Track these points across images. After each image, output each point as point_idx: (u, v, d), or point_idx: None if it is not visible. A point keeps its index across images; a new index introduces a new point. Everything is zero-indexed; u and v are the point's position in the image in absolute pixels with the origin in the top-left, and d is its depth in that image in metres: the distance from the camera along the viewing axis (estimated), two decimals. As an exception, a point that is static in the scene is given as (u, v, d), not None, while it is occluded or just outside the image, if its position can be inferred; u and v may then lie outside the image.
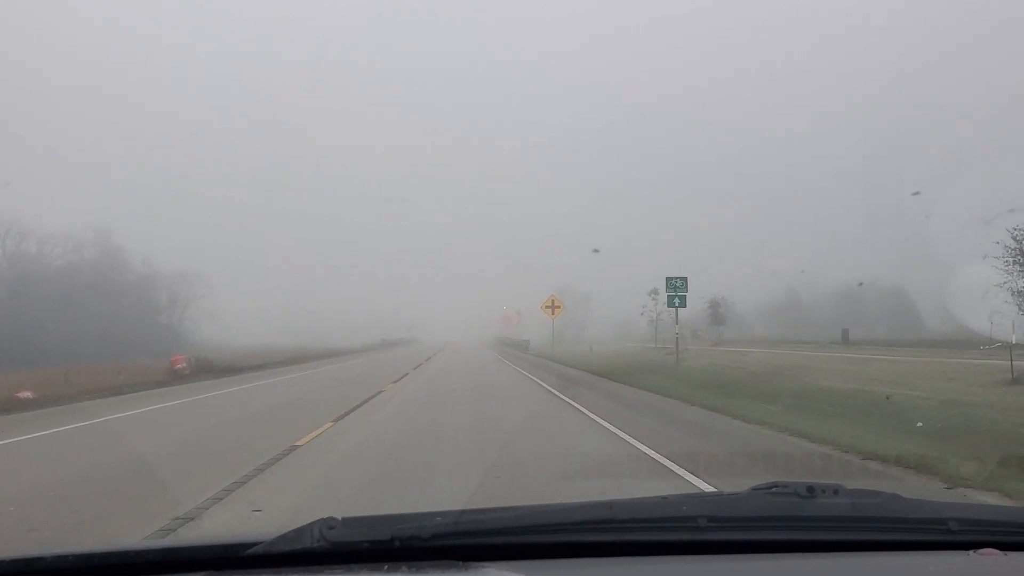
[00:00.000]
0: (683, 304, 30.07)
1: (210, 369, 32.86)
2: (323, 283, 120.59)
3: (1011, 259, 20.70)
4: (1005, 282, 20.56)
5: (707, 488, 7.00)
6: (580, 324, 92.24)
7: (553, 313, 47.54)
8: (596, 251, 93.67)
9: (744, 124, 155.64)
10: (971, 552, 1.91)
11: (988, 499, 6.61)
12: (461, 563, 1.76)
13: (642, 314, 50.74)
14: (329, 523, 1.87)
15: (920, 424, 11.15)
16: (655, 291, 48.45)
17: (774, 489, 2.07)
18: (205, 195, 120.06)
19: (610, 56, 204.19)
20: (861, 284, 70.85)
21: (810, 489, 2.02)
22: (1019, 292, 20.59)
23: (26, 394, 20.13)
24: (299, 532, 1.86)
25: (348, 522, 1.90)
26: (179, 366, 31.68)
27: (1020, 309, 20.56)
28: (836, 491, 2.05)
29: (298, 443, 10.86)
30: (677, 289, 29.83)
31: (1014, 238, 20.62)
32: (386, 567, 1.77)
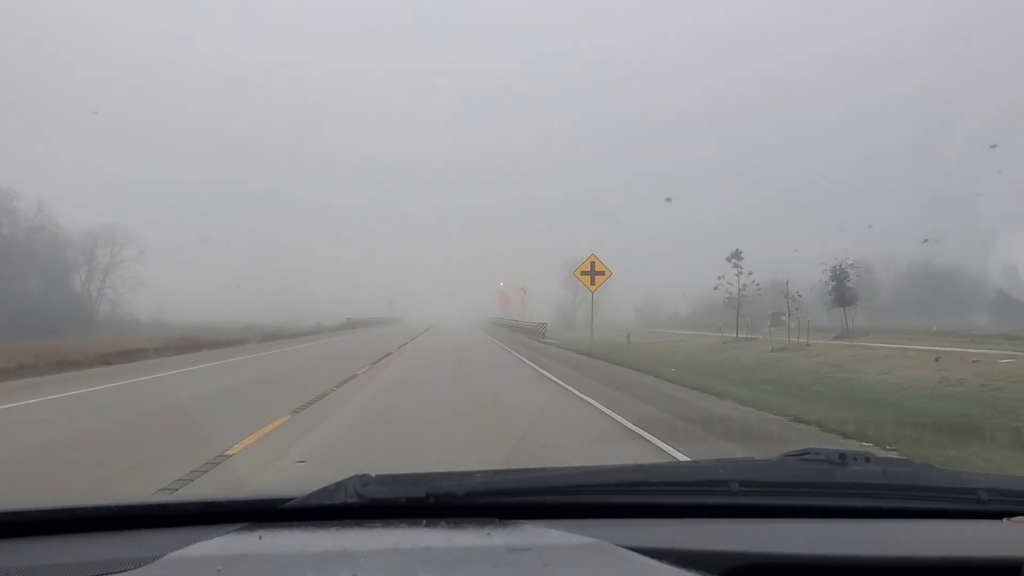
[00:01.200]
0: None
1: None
2: (300, 260, 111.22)
3: None
4: None
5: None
6: (595, 306, 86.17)
7: (593, 283, 34.21)
8: (669, 200, 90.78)
9: (779, 100, 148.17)
10: (1005, 520, 1.92)
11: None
12: (498, 520, 1.79)
13: (716, 288, 35.50)
14: (363, 480, 1.90)
15: None
16: (737, 255, 34.77)
17: (806, 456, 2.09)
18: (180, 178, 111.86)
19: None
20: (927, 240, 56.30)
21: (842, 456, 2.04)
22: None
23: None
24: (335, 487, 1.89)
25: (382, 479, 1.92)
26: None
27: None
28: (867, 459, 2.07)
29: None
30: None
31: None
32: (425, 522, 1.80)
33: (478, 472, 2.01)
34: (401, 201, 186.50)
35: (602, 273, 34.15)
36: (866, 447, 8.61)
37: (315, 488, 1.91)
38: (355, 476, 1.92)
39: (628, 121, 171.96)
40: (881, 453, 2.25)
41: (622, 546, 1.58)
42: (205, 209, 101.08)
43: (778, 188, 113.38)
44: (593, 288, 34.88)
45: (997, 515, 1.96)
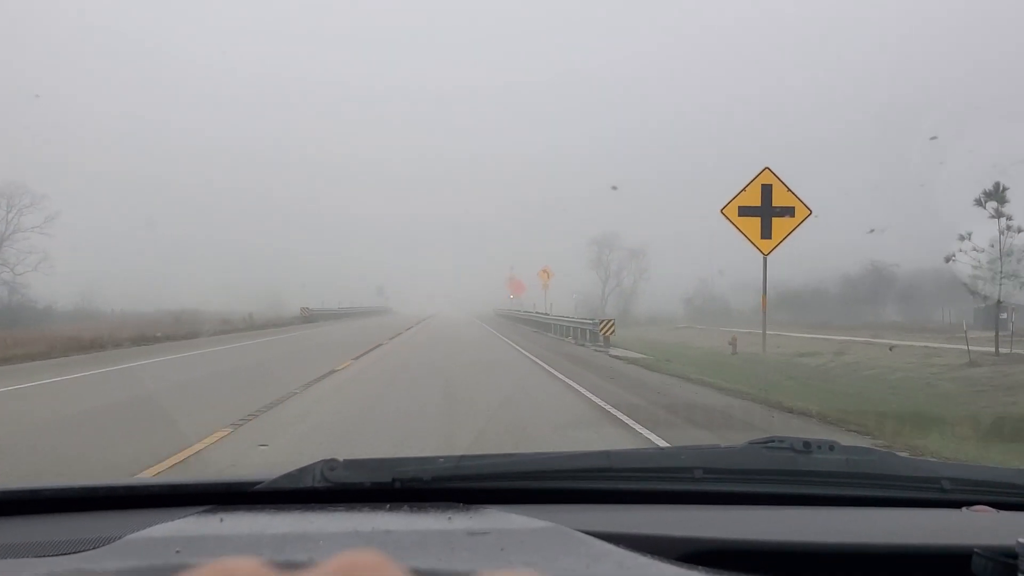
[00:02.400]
0: None
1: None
2: (284, 243, 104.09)
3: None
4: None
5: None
6: (628, 295, 71.95)
7: (770, 233, 19.30)
8: (615, 188, 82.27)
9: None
10: (964, 509, 1.95)
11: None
12: (462, 504, 1.80)
13: (954, 258, 19.29)
14: (331, 464, 1.91)
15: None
16: (1001, 190, 18.85)
17: (771, 443, 2.11)
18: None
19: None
20: (873, 231, 55.98)
21: (806, 444, 2.07)
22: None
23: None
24: (301, 471, 1.90)
25: (349, 464, 1.94)
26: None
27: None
28: (831, 447, 2.10)
29: None
30: None
31: None
32: (388, 506, 1.81)
33: (443, 457, 2.02)
34: (390, 169, 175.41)
35: (789, 212, 18.77)
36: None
37: (283, 472, 1.92)
38: (323, 460, 1.93)
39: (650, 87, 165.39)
40: (846, 441, 2.28)
41: (580, 531, 1.60)
42: (175, 193, 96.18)
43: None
44: (772, 245, 19.15)
45: (958, 504, 1.98)
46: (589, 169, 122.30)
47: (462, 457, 2.06)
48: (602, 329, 27.21)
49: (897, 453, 2.28)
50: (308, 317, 53.82)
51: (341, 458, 1.96)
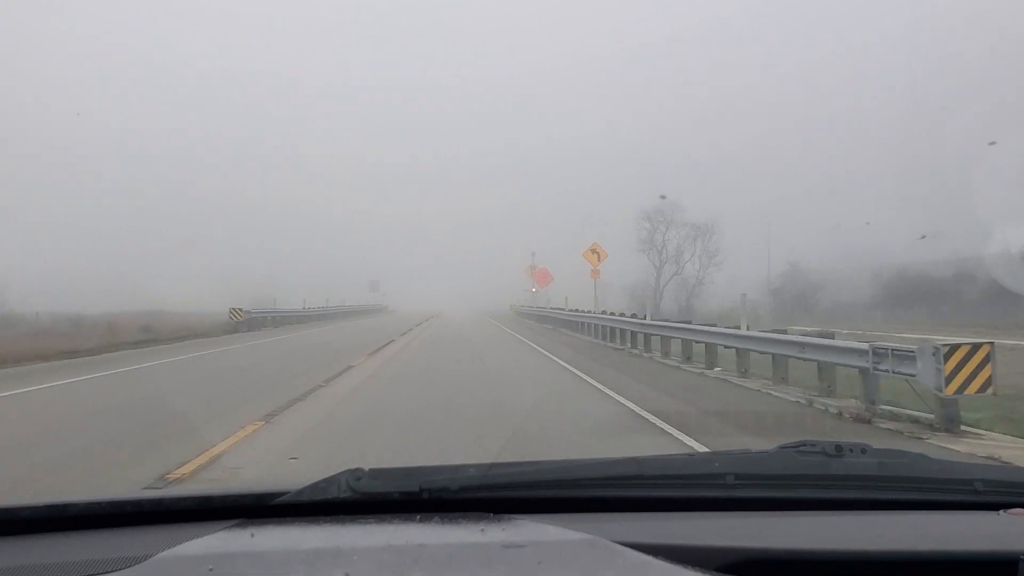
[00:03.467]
0: None
1: None
2: (272, 239, 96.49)
3: None
4: None
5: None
6: (693, 286, 55.98)
7: None
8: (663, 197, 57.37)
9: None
10: (1001, 512, 1.92)
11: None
12: (492, 515, 1.78)
13: None
14: (356, 474, 1.89)
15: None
16: None
17: (802, 447, 2.09)
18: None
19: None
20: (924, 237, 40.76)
21: (838, 448, 2.04)
22: None
23: None
24: (327, 482, 1.89)
25: (375, 473, 1.92)
26: None
27: None
28: (863, 450, 2.07)
29: None
30: None
31: None
32: (418, 517, 1.79)
33: (472, 466, 2.01)
34: (389, 155, 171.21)
35: None
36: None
37: (308, 482, 1.91)
38: (347, 470, 1.91)
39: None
40: (878, 445, 2.24)
41: (617, 542, 1.58)
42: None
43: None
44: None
45: (994, 506, 1.95)
46: (628, 149, 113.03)
47: (491, 465, 2.04)
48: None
49: (929, 456, 2.24)
50: (250, 323, 38.32)
51: (367, 467, 1.94)
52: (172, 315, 41.17)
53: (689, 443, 8.45)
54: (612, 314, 27.87)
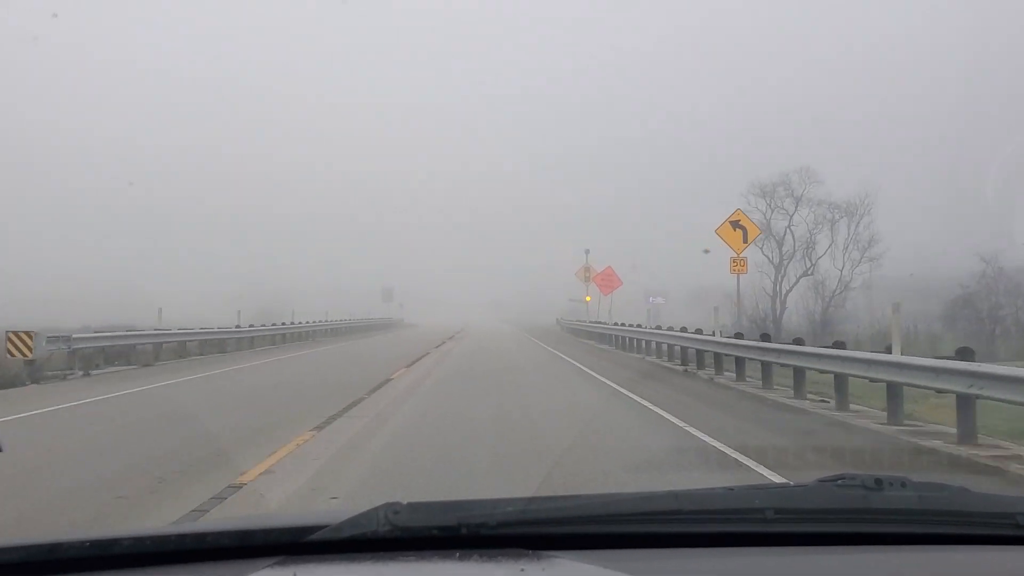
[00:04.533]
0: None
1: None
2: (284, 242, 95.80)
3: None
4: None
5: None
6: (833, 298, 38.91)
7: None
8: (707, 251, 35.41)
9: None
10: None
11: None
12: (531, 552, 1.79)
13: None
14: (394, 508, 1.90)
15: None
16: None
17: (840, 481, 2.07)
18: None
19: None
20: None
21: (877, 482, 2.03)
22: None
23: None
24: (365, 517, 1.89)
25: (414, 507, 1.93)
26: None
27: None
28: (903, 484, 2.05)
29: None
30: None
31: None
32: (458, 555, 1.80)
33: (510, 500, 2.01)
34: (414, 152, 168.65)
35: None
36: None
37: (345, 516, 1.91)
38: (385, 504, 1.92)
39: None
40: (917, 478, 2.22)
41: None
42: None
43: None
44: None
45: None
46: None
47: (530, 500, 2.05)
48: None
49: (970, 490, 2.21)
50: (82, 360, 20.47)
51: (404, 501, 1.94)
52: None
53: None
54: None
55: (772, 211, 41.94)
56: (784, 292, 41.11)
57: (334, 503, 6.58)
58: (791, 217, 41.94)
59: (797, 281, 41.35)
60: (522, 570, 1.71)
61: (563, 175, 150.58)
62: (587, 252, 47.76)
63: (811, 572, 1.74)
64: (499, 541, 1.85)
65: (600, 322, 39.37)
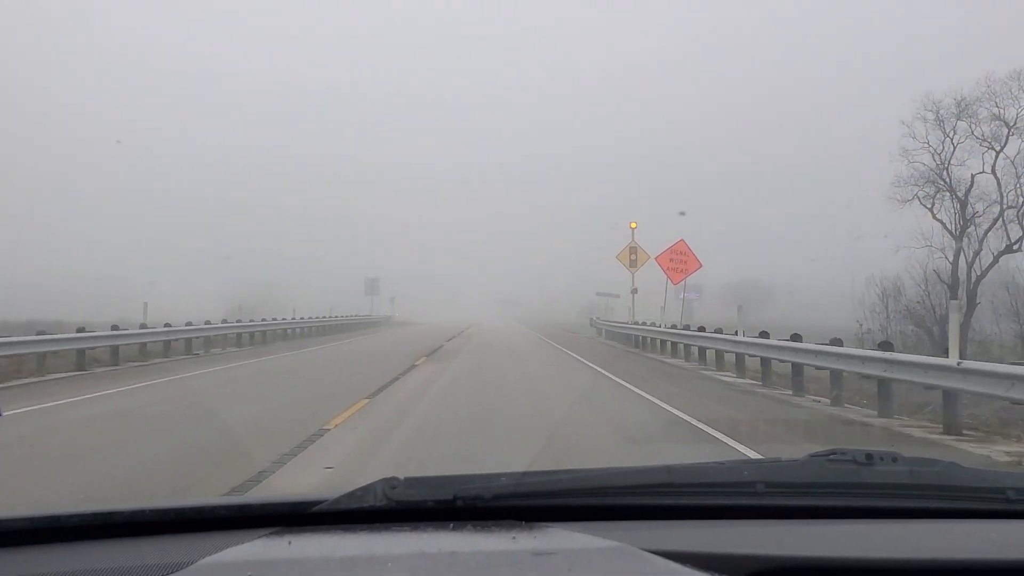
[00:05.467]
0: None
1: None
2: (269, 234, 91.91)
3: None
4: None
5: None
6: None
7: None
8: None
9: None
10: None
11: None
12: (524, 523, 1.82)
13: None
14: (391, 483, 1.93)
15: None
16: None
17: (832, 456, 2.09)
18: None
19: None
20: None
21: (868, 456, 2.05)
22: None
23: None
24: (363, 490, 1.92)
25: (410, 482, 1.95)
26: None
27: None
28: (895, 459, 2.08)
29: None
30: None
31: None
32: (452, 526, 1.83)
33: (505, 474, 2.03)
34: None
35: None
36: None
37: (344, 491, 1.95)
38: (383, 479, 1.95)
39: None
40: (908, 453, 2.25)
41: (646, 550, 1.60)
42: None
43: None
44: None
45: None
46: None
47: (524, 474, 2.07)
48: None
49: (960, 464, 2.24)
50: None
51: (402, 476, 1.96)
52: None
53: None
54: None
55: (951, 146, 27.13)
56: (972, 281, 26.71)
57: (333, 478, 6.49)
58: (996, 155, 26.39)
59: (996, 260, 26.84)
60: (514, 538, 1.73)
61: (584, 169, 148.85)
62: (633, 228, 35.16)
63: (801, 544, 1.77)
64: (494, 513, 1.87)
65: (673, 327, 26.56)
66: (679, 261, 28.44)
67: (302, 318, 41.28)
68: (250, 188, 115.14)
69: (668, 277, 28.70)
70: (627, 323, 34.24)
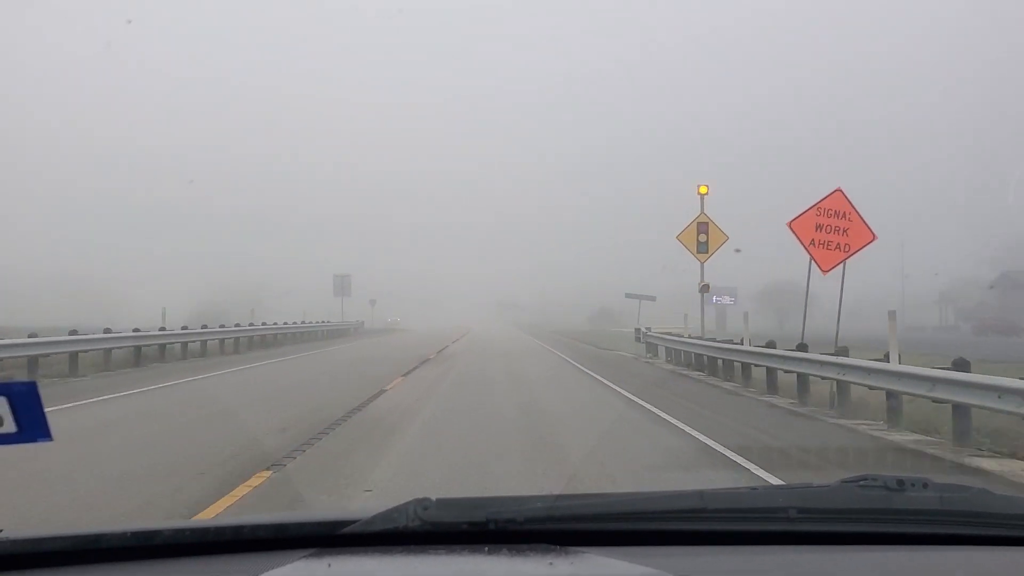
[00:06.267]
0: None
1: None
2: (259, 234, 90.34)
3: None
4: None
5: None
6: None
7: None
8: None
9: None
10: None
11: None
12: (559, 547, 1.83)
13: None
14: (423, 503, 1.95)
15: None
16: None
17: (863, 482, 2.10)
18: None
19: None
20: None
21: (899, 482, 2.06)
22: None
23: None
24: (397, 511, 1.94)
25: (443, 503, 1.98)
26: None
27: None
28: (925, 485, 2.08)
29: None
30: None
31: None
32: (487, 549, 1.85)
33: (538, 497, 2.05)
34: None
35: None
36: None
37: (377, 511, 1.97)
38: (415, 500, 1.97)
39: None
40: (939, 479, 2.24)
41: None
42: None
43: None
44: None
45: None
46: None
47: (558, 497, 2.09)
48: None
49: (991, 491, 2.23)
50: None
51: (434, 497, 2.00)
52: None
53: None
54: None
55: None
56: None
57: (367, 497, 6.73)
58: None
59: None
60: (551, 564, 1.75)
61: (593, 168, 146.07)
62: (702, 195, 23.31)
63: (834, 570, 1.77)
64: (527, 536, 1.89)
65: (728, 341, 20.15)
66: (834, 230, 15.32)
67: (237, 325, 33.05)
68: (222, 192, 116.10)
69: (814, 260, 15.64)
70: (736, 342, 19.69)
